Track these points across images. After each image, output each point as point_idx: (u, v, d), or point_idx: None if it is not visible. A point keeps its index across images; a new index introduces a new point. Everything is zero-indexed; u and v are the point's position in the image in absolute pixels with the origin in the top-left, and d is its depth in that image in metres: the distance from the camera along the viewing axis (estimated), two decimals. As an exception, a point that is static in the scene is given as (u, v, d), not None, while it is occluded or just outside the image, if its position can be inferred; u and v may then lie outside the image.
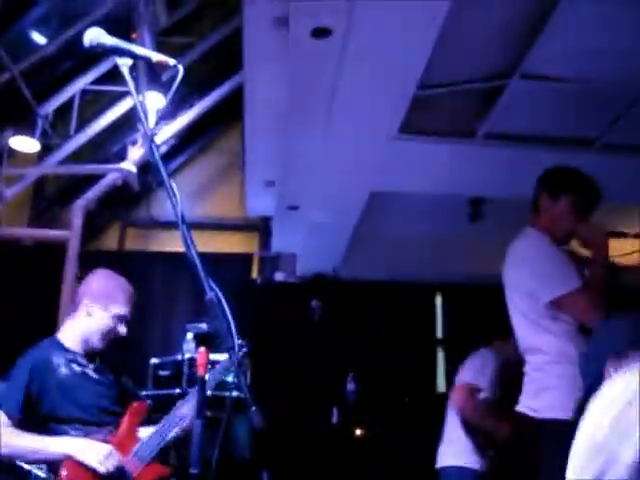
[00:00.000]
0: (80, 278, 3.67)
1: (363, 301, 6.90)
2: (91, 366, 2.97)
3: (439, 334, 7.26)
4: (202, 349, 1.91)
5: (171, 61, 2.06)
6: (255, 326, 6.54)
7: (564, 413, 2.66)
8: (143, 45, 5.38)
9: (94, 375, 2.97)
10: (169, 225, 6.56)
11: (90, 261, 5.60)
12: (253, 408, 1.79)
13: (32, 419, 2.72)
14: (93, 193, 6.48)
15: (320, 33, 3.24)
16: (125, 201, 7.17)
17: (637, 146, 4.60)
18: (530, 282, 3.00)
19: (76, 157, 6.64)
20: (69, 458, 2.63)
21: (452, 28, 3.29)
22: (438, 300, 7.29)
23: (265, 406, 5.64)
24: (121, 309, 3.00)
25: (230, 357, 1.80)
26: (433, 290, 7.26)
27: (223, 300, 1.79)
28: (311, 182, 4.83)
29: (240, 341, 2.87)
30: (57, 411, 2.78)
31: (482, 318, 4.56)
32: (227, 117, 7.13)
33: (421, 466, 4.72)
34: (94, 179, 6.55)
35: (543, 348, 2.97)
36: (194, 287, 1.85)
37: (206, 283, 1.79)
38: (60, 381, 2.81)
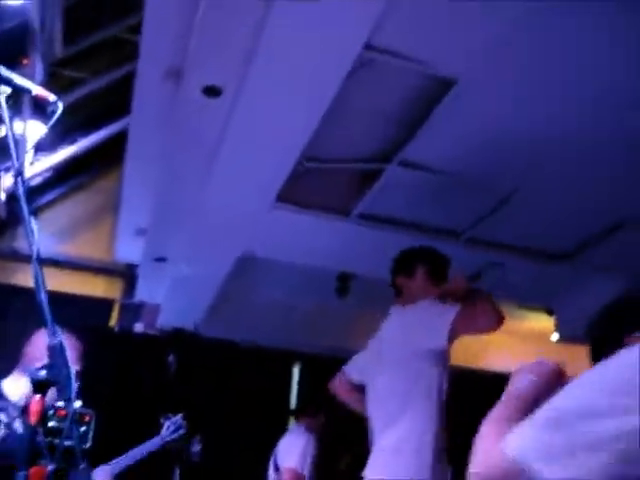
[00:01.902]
0: None
1: (221, 361, 6.81)
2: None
3: (293, 404, 7.23)
4: (37, 396, 1.82)
5: (51, 97, 2.02)
6: (106, 375, 6.35)
7: None
8: (34, 73, 5.24)
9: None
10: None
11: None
12: (83, 465, 1.72)
13: None
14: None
15: (211, 91, 3.25)
16: (-11, 230, 6.87)
17: (500, 243, 4.83)
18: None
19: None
20: None
21: (340, 106, 3.38)
22: (296, 370, 7.28)
23: (106, 460, 5.41)
24: None
25: (67, 407, 1.73)
26: (292, 359, 7.25)
27: (66, 348, 1.72)
28: (181, 236, 4.78)
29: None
30: None
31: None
32: (109, 158, 6.98)
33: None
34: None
35: None
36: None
37: (51, 328, 1.73)
38: None
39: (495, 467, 1.15)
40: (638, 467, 1.01)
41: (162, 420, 4.05)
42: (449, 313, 3.12)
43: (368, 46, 2.97)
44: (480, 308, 3.10)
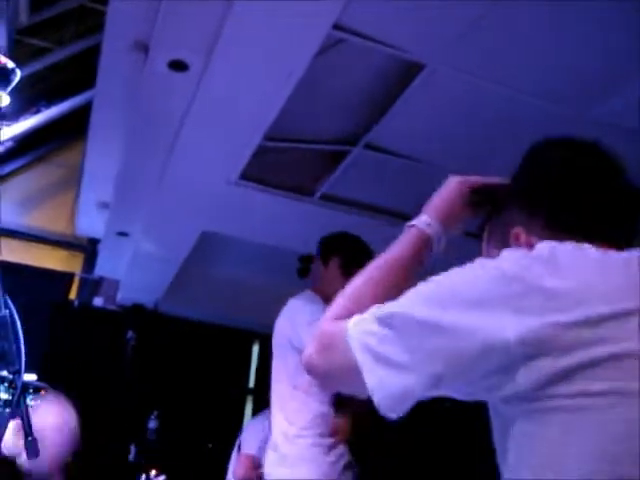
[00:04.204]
0: None
1: (180, 339, 6.79)
2: None
3: (251, 384, 7.24)
4: (-16, 369, 1.79)
5: (10, 64, 1.97)
6: (64, 349, 6.29)
7: None
8: (-3, 39, 5.14)
9: None
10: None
11: None
12: (29, 438, 1.70)
13: None
14: None
15: (177, 66, 3.21)
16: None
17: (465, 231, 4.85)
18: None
19: None
20: None
21: (308, 86, 3.35)
22: (255, 349, 7.28)
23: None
24: None
25: (14, 381, 1.70)
26: (252, 338, 7.25)
27: (17, 320, 1.70)
28: (144, 211, 4.74)
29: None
30: None
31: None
32: (72, 131, 6.88)
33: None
34: None
35: None
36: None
37: (2, 299, 1.70)
38: None
39: (334, 343, 1.16)
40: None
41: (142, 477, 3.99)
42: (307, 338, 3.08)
43: (337, 26, 2.95)
44: None
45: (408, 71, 3.32)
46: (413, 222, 1.37)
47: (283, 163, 4.26)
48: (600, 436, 0.93)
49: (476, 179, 1.45)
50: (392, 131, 3.81)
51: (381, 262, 1.32)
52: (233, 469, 4.48)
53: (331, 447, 3.08)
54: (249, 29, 2.89)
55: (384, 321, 1.09)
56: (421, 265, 1.34)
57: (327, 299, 3.19)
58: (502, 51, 3.08)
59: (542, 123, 3.52)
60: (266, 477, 3.15)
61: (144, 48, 3.30)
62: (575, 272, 1.03)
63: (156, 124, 3.75)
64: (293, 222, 4.78)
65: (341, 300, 1.26)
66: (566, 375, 0.95)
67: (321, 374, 1.23)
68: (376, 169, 4.18)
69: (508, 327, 0.97)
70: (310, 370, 1.22)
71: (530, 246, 1.14)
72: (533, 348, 0.96)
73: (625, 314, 0.97)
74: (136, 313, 6.71)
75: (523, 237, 1.22)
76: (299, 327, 3.09)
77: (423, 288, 1.11)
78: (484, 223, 1.40)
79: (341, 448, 3.11)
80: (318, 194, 4.46)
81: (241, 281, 6.30)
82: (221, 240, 5.52)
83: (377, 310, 1.12)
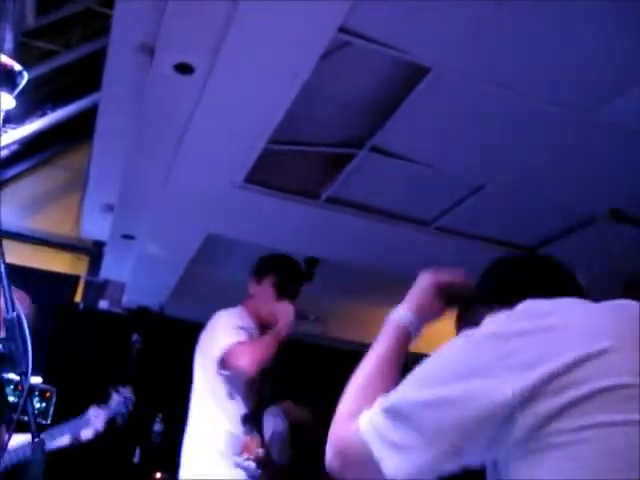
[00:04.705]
0: None
1: (185, 341, 6.76)
2: None
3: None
4: (-9, 370, 1.79)
5: (17, 66, 1.98)
6: (69, 352, 6.30)
7: None
8: (3, 42, 5.15)
9: None
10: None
11: None
12: (36, 439, 1.70)
13: None
14: None
15: (183, 68, 3.22)
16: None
17: (467, 233, 4.86)
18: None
19: None
20: None
21: (313, 89, 3.36)
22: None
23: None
24: None
25: (21, 382, 1.70)
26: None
27: (24, 322, 1.70)
28: (149, 214, 4.75)
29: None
30: None
31: (298, 375, 4.60)
32: (78, 134, 6.89)
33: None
34: None
35: None
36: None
37: (9, 302, 1.70)
38: None
39: (350, 445, 1.26)
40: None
41: (111, 391, 3.97)
42: (226, 340, 3.11)
43: (343, 29, 2.95)
44: (251, 348, 3.05)
45: (413, 74, 3.32)
46: (395, 317, 1.50)
47: (288, 166, 4.26)
48: (582, 470, 1.02)
49: (445, 276, 1.60)
50: (397, 134, 3.81)
51: (372, 360, 1.43)
52: None
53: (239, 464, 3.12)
54: (254, 32, 2.90)
55: (391, 411, 1.19)
56: (405, 353, 1.46)
57: (257, 316, 3.23)
58: (508, 54, 3.08)
59: (548, 126, 3.53)
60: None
61: (150, 51, 3.31)
62: (558, 320, 1.15)
63: (161, 127, 3.75)
64: (298, 225, 4.78)
65: (345, 403, 1.36)
66: (556, 415, 1.04)
67: (344, 474, 1.30)
68: (381, 172, 4.18)
69: (506, 385, 1.08)
70: (334, 474, 1.30)
71: None
72: (529, 397, 1.06)
73: (602, 352, 1.07)
74: (141, 316, 6.71)
75: None
76: (218, 332, 3.15)
77: (419, 371, 1.22)
78: (457, 318, 1.57)
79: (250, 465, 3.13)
80: (323, 197, 4.47)
81: (246, 284, 6.30)
82: (226, 243, 5.52)
83: (382, 401, 1.23)
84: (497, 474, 1.14)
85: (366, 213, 4.61)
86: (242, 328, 3.14)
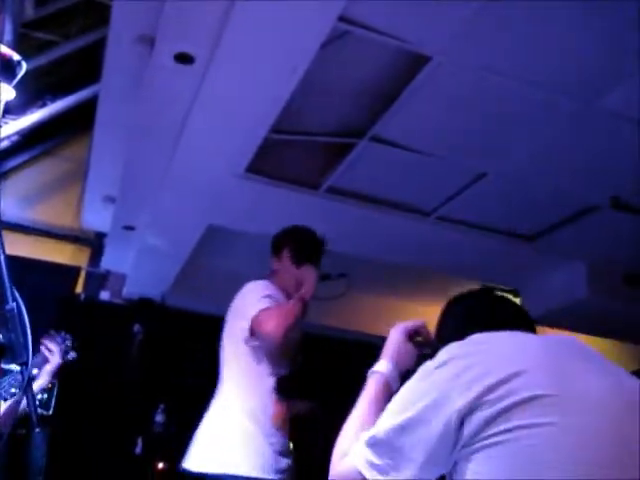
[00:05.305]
0: None
1: (187, 332, 6.79)
2: None
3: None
4: (-9, 361, 1.79)
5: (15, 56, 1.97)
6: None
7: None
8: (2, 33, 5.13)
9: None
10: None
11: None
12: (37, 430, 1.71)
13: None
14: None
15: (183, 58, 3.22)
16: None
17: (467, 222, 4.86)
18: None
19: None
20: None
21: (313, 80, 3.36)
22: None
23: (68, 427, 5.41)
24: None
25: (22, 373, 1.71)
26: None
27: (24, 313, 1.70)
28: (150, 205, 4.75)
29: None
30: None
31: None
32: (78, 124, 6.89)
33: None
34: None
35: None
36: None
37: (9, 291, 1.70)
38: None
39: (347, 477, 1.51)
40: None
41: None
42: (253, 308, 3.07)
43: (343, 18, 2.95)
44: (276, 312, 3.01)
45: (414, 63, 3.31)
46: (377, 369, 1.77)
47: (289, 156, 4.26)
48: (507, 464, 1.28)
49: (410, 324, 1.87)
50: (398, 124, 3.80)
51: (361, 406, 1.70)
52: None
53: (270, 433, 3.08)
54: (254, 21, 2.89)
55: (372, 443, 1.45)
56: (388, 395, 1.66)
57: (283, 289, 3.24)
58: (508, 43, 3.07)
59: (549, 115, 3.53)
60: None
61: (150, 41, 3.30)
62: (489, 348, 1.45)
63: (162, 117, 3.75)
64: (299, 215, 4.76)
65: (340, 444, 1.61)
66: (491, 421, 1.30)
67: None
68: (382, 162, 4.17)
69: (457, 401, 1.34)
70: None
71: None
72: (472, 408, 1.32)
73: (519, 373, 1.34)
74: (143, 306, 6.71)
75: None
76: (246, 302, 3.14)
77: (391, 405, 1.49)
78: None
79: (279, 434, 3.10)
80: (324, 187, 4.46)
81: (247, 274, 6.28)
82: (227, 233, 5.51)
83: (365, 435, 1.49)
84: (450, 475, 1.40)
85: (367, 203, 4.62)
86: (269, 297, 3.11)
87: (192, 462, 3.10)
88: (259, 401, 3.09)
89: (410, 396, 1.45)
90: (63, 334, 3.93)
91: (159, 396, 6.49)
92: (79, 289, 6.97)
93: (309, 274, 3.23)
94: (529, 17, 2.89)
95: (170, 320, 6.73)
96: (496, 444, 1.29)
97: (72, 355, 3.94)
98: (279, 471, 3.01)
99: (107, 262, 6.49)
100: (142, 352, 6.68)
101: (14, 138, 6.63)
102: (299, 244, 3.37)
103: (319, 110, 3.86)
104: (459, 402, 1.33)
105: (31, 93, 6.10)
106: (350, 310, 6.60)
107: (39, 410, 3.35)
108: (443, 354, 1.47)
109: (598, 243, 4.78)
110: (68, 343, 3.82)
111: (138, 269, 6.12)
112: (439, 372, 1.42)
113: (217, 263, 6.21)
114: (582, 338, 3.74)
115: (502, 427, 1.29)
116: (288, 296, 3.21)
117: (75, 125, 6.88)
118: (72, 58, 6.52)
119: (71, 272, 6.94)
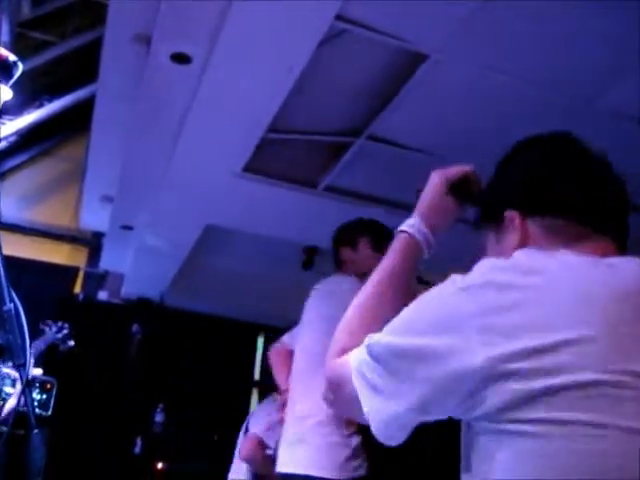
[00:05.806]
0: None
1: (186, 332, 6.80)
2: None
3: (257, 376, 7.25)
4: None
5: (11, 57, 1.96)
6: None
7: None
8: (-1, 33, 5.13)
9: None
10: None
11: None
12: (36, 430, 1.70)
13: None
14: None
15: (180, 58, 3.21)
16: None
17: (467, 221, 4.84)
18: None
19: None
20: None
21: (311, 78, 3.36)
22: (260, 341, 7.28)
23: (67, 428, 5.42)
24: None
25: (19, 374, 1.70)
26: (257, 330, 7.25)
27: (22, 313, 1.69)
28: (148, 205, 4.74)
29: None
30: None
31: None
32: (76, 124, 6.88)
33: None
34: None
35: None
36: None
37: (7, 292, 1.69)
38: None
39: (342, 381, 1.21)
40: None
41: (42, 326, 3.94)
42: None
43: (340, 17, 2.94)
44: None
45: (411, 62, 3.31)
46: (403, 227, 1.41)
47: (287, 155, 4.25)
48: (540, 468, 0.95)
49: (455, 171, 1.48)
50: (395, 122, 3.80)
51: (377, 276, 1.36)
52: (240, 448, 4.50)
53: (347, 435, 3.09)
54: (251, 21, 2.88)
55: (371, 353, 1.14)
56: (415, 269, 1.38)
57: (361, 279, 3.25)
58: (506, 42, 3.06)
59: (547, 113, 3.51)
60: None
61: (146, 41, 3.29)
62: (544, 283, 1.04)
63: (159, 117, 3.74)
64: (297, 214, 4.78)
65: (345, 327, 1.31)
66: (528, 400, 0.96)
67: (337, 408, 1.36)
68: (379, 160, 4.17)
69: (476, 353, 0.99)
70: (330, 406, 1.32)
71: (524, 230, 1.21)
72: (499, 373, 0.97)
73: (585, 340, 0.96)
74: (141, 306, 6.71)
75: (517, 220, 1.24)
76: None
77: (404, 314, 1.14)
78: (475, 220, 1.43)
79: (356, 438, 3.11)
80: (322, 186, 4.46)
81: (246, 273, 6.30)
82: (225, 233, 5.52)
83: (368, 340, 1.16)
84: (468, 438, 1.08)
85: (364, 201, 4.61)
86: None
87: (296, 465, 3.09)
88: None
89: (424, 318, 1.10)
90: (60, 323, 3.96)
91: (158, 396, 6.50)
92: (77, 289, 6.98)
93: None
94: (527, 15, 2.89)
95: (169, 320, 6.74)
96: (531, 436, 0.95)
97: (70, 343, 3.96)
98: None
99: (105, 262, 6.50)
100: (141, 352, 6.68)
101: (11, 138, 6.62)
102: (378, 234, 3.39)
103: (316, 109, 3.86)
104: (481, 357, 0.98)
105: (28, 93, 6.09)
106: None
107: (38, 410, 3.35)
108: (478, 271, 1.10)
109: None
110: (65, 331, 3.84)
111: (136, 269, 6.12)
112: (465, 299, 1.05)
113: (215, 263, 6.20)
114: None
115: (542, 415, 0.94)
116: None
117: (72, 125, 6.88)
118: (69, 58, 6.51)
119: (69, 272, 6.95)
